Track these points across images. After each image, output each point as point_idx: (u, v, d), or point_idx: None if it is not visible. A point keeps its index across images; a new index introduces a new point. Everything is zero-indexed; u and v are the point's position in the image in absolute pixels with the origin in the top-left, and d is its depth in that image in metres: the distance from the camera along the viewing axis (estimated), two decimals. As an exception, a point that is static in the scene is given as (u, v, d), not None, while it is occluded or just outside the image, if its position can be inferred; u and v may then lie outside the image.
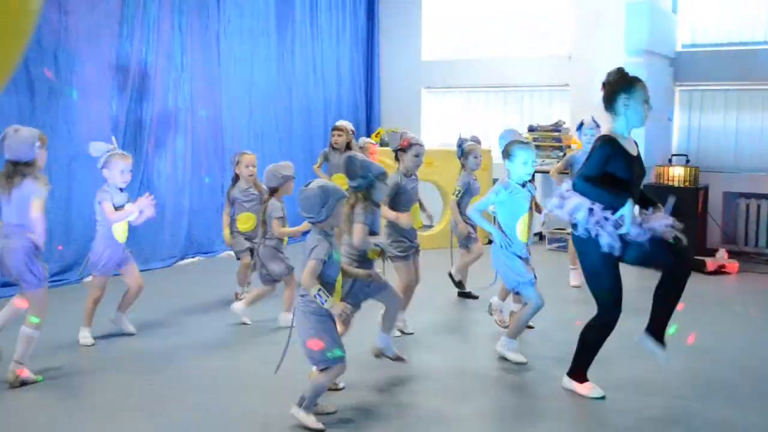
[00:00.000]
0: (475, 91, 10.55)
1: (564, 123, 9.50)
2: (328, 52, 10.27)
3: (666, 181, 8.25)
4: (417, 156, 5.31)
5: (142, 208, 5.12)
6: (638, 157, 4.30)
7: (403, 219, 5.09)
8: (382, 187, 4.53)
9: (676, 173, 8.25)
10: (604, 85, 4.32)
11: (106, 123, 7.23)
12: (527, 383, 4.55)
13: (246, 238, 6.24)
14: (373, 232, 4.50)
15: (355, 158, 4.47)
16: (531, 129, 9.61)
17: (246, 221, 6.24)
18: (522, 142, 4.89)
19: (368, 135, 10.63)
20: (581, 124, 6.97)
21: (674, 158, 8.69)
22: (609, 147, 4.13)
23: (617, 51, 8.27)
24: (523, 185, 4.85)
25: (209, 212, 8.31)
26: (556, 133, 9.44)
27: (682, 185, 8.15)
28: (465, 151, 6.33)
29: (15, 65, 1.41)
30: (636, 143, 4.37)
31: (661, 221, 4.15)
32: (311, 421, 3.79)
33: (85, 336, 5.17)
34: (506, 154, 4.85)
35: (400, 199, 5.25)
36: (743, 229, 8.70)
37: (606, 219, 4.07)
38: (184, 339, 5.33)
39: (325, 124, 10.27)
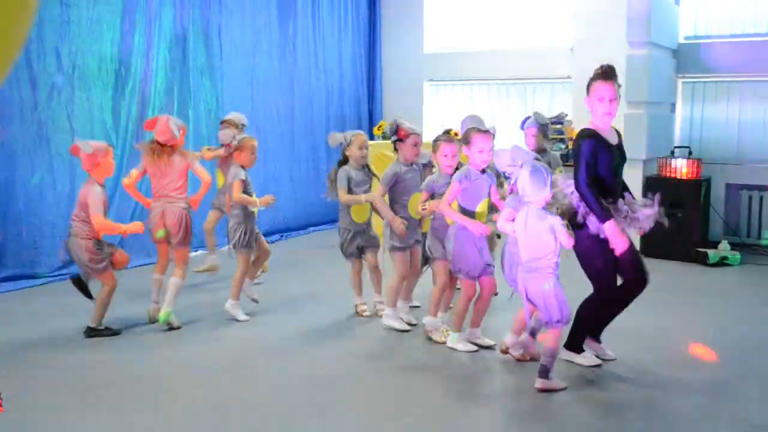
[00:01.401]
0: (477, 83, 10.52)
1: (566, 115, 9.47)
2: (329, 44, 10.25)
3: (668, 174, 8.23)
4: (416, 145, 5.35)
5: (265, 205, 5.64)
6: (619, 145, 4.50)
7: (397, 226, 5.16)
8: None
9: (679, 165, 8.23)
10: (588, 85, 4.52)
11: (108, 117, 7.24)
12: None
13: (357, 232, 5.62)
14: None
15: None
16: (533, 121, 9.58)
17: (362, 211, 5.62)
18: (480, 130, 4.85)
19: (371, 128, 10.62)
20: (525, 120, 6.81)
21: (677, 150, 8.67)
22: (593, 141, 4.34)
23: (620, 43, 8.26)
24: (483, 171, 4.86)
25: (208, 206, 8.28)
26: (558, 126, 9.41)
27: (684, 177, 8.14)
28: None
29: (15, 59, 1.41)
30: (618, 132, 4.57)
31: (647, 210, 4.34)
32: (556, 383, 4.21)
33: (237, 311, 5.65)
34: (465, 140, 4.85)
35: (398, 189, 5.31)
36: (746, 220, 8.69)
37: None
38: (183, 332, 5.36)
39: (327, 117, 10.27)
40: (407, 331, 5.32)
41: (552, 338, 4.25)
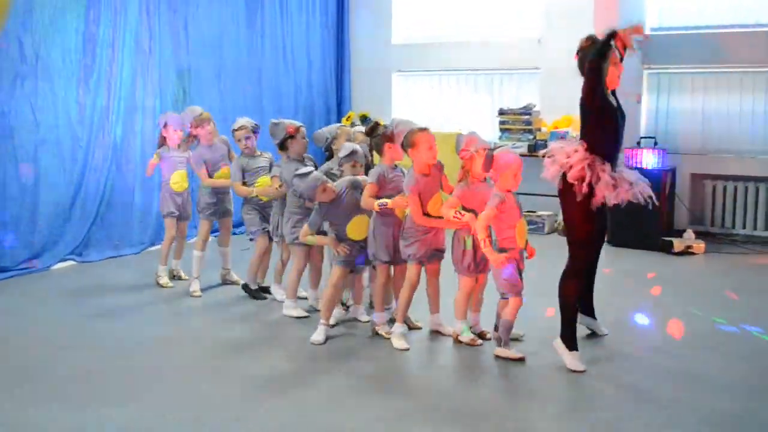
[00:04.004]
0: (445, 74, 10.54)
1: (534, 106, 9.54)
2: (297, 36, 10.19)
3: (634, 164, 8.31)
4: (304, 138, 5.61)
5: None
6: (620, 107, 4.67)
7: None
8: None
9: (644, 155, 8.33)
10: (576, 53, 4.70)
11: (73, 108, 7.12)
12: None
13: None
14: None
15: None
16: (501, 112, 9.63)
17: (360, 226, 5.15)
18: (421, 129, 4.76)
19: (339, 119, 10.59)
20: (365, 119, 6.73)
21: (642, 140, 8.77)
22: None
23: (587, 34, 8.29)
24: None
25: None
26: (526, 116, 9.48)
27: (650, 167, 8.23)
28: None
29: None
30: (616, 98, 4.71)
31: (638, 179, 4.52)
32: (512, 353, 4.53)
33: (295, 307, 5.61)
34: (409, 144, 4.71)
35: None
36: (710, 210, 8.83)
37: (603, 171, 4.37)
38: (156, 325, 5.31)
39: (296, 108, 10.21)
40: (306, 317, 5.40)
41: (509, 310, 4.52)
